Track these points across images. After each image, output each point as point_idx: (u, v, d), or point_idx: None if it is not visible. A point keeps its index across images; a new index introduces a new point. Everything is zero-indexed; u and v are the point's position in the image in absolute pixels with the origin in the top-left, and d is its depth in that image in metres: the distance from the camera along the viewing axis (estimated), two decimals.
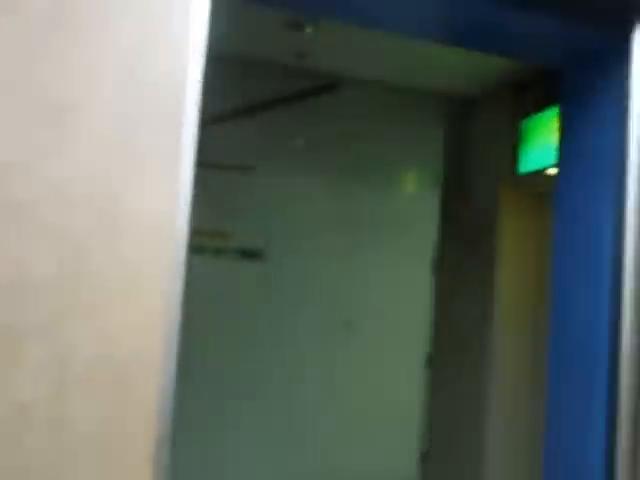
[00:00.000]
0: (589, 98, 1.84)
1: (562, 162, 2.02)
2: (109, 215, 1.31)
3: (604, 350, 1.70)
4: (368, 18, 1.76)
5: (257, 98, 3.58)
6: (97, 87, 1.32)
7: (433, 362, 4.10)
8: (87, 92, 1.31)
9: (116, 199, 1.32)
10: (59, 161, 1.29)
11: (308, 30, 3.14)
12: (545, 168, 3.22)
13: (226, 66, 3.05)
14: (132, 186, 1.33)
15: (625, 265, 1.71)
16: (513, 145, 3.50)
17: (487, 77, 3.60)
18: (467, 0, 1.63)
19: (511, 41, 1.79)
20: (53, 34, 1.30)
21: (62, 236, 1.29)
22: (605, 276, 1.75)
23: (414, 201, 4.37)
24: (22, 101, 1.29)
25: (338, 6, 1.71)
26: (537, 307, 3.45)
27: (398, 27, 1.81)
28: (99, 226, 1.30)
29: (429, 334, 4.11)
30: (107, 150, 1.32)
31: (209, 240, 3.95)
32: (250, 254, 4.09)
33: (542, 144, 3.26)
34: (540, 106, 3.31)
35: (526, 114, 3.44)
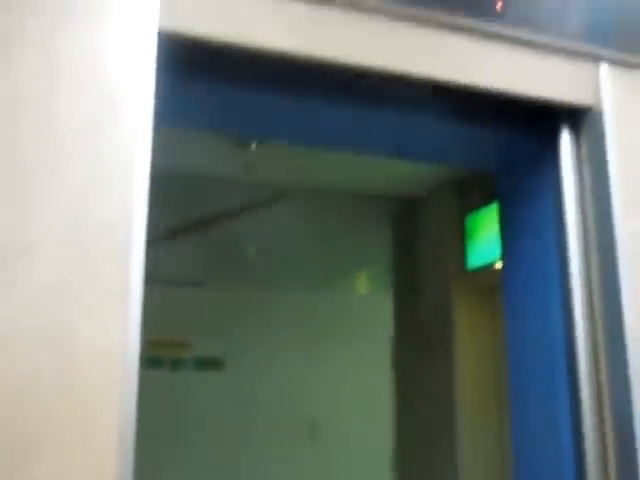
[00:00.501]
0: (524, 196, 1.95)
1: (505, 257, 2.11)
2: (58, 353, 1.31)
3: (567, 438, 1.72)
4: (307, 138, 1.86)
5: (204, 213, 3.65)
6: (44, 231, 1.34)
7: (399, 460, 4.01)
8: (34, 236, 1.33)
9: (65, 338, 1.32)
10: (5, 306, 1.29)
11: (253, 146, 3.27)
12: (493, 262, 3.32)
13: (170, 183, 3.13)
14: (81, 323, 1.34)
15: (578, 351, 1.76)
16: (460, 241, 3.63)
17: (430, 177, 3.77)
18: (403, 116, 1.74)
19: (445, 150, 1.91)
20: (2, 186, 1.32)
21: (13, 379, 1.28)
22: (559, 363, 1.79)
23: (369, 302, 4.43)
24: None
25: (277, 130, 1.81)
26: (499, 397, 3.45)
27: (337, 144, 1.92)
28: (48, 364, 1.30)
29: (393, 433, 4.05)
30: (54, 290, 1.33)
31: (168, 351, 3.88)
32: (209, 363, 4.05)
33: (488, 239, 3.38)
34: (483, 202, 3.46)
35: (471, 210, 3.59)
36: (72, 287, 1.33)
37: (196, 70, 1.56)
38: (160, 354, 3.85)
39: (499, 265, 3.26)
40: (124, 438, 1.31)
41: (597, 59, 1.74)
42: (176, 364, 4.03)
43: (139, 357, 1.37)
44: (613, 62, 1.75)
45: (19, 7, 1.36)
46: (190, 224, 3.60)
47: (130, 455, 1.32)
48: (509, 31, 1.63)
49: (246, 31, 1.48)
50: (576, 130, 1.81)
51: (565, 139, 1.80)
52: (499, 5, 1.58)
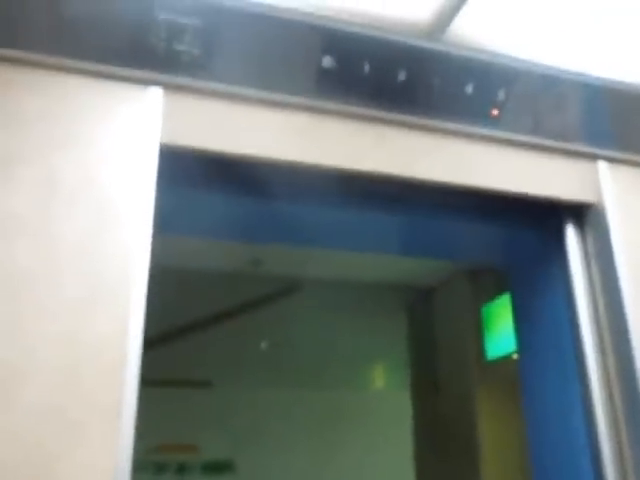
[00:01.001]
0: (535, 288, 1.93)
1: (520, 348, 2.08)
2: None
3: None
4: (312, 241, 1.88)
5: (212, 310, 3.63)
6: (38, 353, 1.33)
7: None
8: (27, 358, 1.32)
9: (54, 468, 1.29)
10: None
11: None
12: (512, 353, 3.24)
13: (177, 279, 3.13)
14: (70, 451, 1.31)
15: (602, 448, 1.71)
16: (477, 332, 3.56)
17: (444, 267, 3.75)
18: (410, 217, 1.77)
19: (453, 248, 1.91)
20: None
21: None
22: (583, 458, 1.74)
23: (386, 399, 4.31)
24: None
25: (281, 234, 1.82)
26: None
27: (346, 245, 1.93)
28: None
29: None
30: (45, 417, 1.30)
31: (173, 456, 3.76)
32: (219, 467, 3.91)
33: (505, 329, 3.31)
34: (498, 291, 3.42)
35: (486, 299, 3.55)
36: (62, 412, 1.30)
37: (198, 180, 1.59)
38: (165, 459, 3.73)
39: (516, 356, 3.18)
40: None
41: (595, 157, 1.78)
42: (182, 469, 3.90)
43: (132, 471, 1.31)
44: (611, 160, 1.79)
45: (19, 125, 1.39)
46: (198, 321, 3.58)
47: None
48: (506, 134, 1.67)
49: (246, 142, 1.51)
50: (580, 225, 1.82)
51: (570, 234, 1.81)
52: (495, 112, 1.62)
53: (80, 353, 1.33)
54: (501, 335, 3.38)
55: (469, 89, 1.58)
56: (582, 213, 1.79)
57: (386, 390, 4.40)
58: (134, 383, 1.36)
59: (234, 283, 3.71)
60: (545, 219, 1.82)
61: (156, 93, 1.47)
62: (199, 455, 3.88)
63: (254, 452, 3.99)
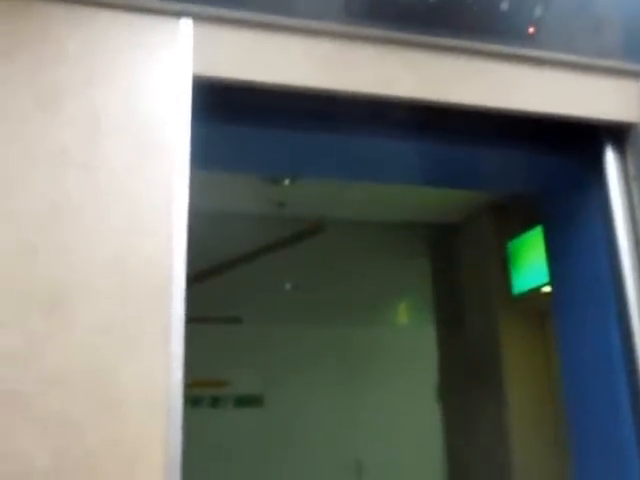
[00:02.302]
0: (571, 219, 1.86)
1: (555, 281, 2.01)
2: (102, 396, 1.33)
3: (634, 462, 1.62)
4: (342, 171, 1.83)
5: (239, 250, 3.62)
6: (90, 275, 1.38)
7: None
8: (81, 281, 1.37)
9: (109, 380, 1.35)
10: (55, 349, 1.33)
11: (286, 182, 3.24)
12: (540, 286, 3.20)
13: (205, 221, 3.11)
14: (126, 365, 1.36)
15: (639, 370, 1.67)
16: (503, 267, 3.51)
17: (468, 203, 3.67)
18: (443, 144, 1.70)
19: (487, 177, 1.84)
20: (50, 230, 1.38)
21: (60, 424, 1.30)
22: (621, 384, 1.70)
23: (410, 334, 4.30)
24: (20, 292, 1.34)
25: (311, 165, 1.78)
26: (555, 427, 3.27)
27: (375, 178, 1.87)
28: (96, 409, 1.32)
29: (443, 466, 3.88)
30: (100, 333, 1.36)
31: (206, 390, 3.83)
32: (249, 401, 3.98)
33: (533, 263, 3.26)
34: (526, 225, 3.35)
35: (512, 235, 3.48)
36: (116, 329, 1.35)
37: (230, 113, 1.58)
38: (199, 392, 3.79)
39: (546, 289, 3.14)
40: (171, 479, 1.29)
41: (637, 75, 1.68)
42: (215, 402, 3.96)
43: (182, 398, 1.36)
44: None
45: (62, 61, 1.41)
46: (225, 262, 3.57)
47: None
48: (543, 53, 1.58)
49: (277, 71, 1.49)
50: (621, 148, 1.73)
51: (610, 157, 1.72)
52: (531, 30, 1.52)
53: (128, 276, 1.37)
54: (528, 269, 3.33)
55: (504, 6, 1.49)
56: (622, 135, 1.70)
57: (411, 325, 4.39)
58: (181, 305, 1.39)
59: (260, 225, 3.68)
60: (583, 142, 1.72)
61: (187, 24, 1.46)
62: (230, 390, 3.94)
63: (282, 387, 4.03)
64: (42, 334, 1.31)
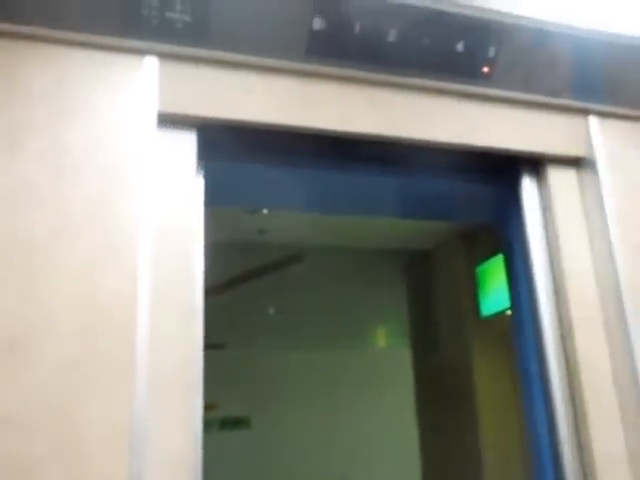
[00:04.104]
0: (517, 244, 1.88)
1: (512, 305, 2.03)
2: (66, 435, 1.26)
3: None
4: (311, 206, 1.81)
5: (222, 277, 3.57)
6: (53, 312, 1.31)
7: None
8: (44, 317, 1.30)
9: (72, 419, 1.27)
10: (14, 388, 1.25)
11: (264, 211, 3.21)
12: (505, 310, 3.19)
13: None
14: (90, 402, 1.29)
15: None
16: (473, 290, 3.49)
17: (440, 230, 3.67)
18: (403, 178, 1.70)
19: (451, 208, 1.84)
20: (12, 266, 1.31)
21: (19, 466, 1.22)
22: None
23: (389, 357, 4.27)
24: None
25: (281, 200, 1.76)
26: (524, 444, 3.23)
27: (346, 211, 1.86)
28: (59, 448, 1.24)
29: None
30: (63, 371, 1.29)
31: None
32: (236, 423, 3.92)
33: (498, 287, 3.25)
34: (492, 251, 3.35)
35: (480, 259, 3.48)
36: (80, 366, 1.28)
37: (201, 149, 1.53)
38: None
39: (510, 312, 3.13)
40: None
41: (586, 112, 1.70)
42: (204, 425, 3.89)
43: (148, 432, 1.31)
44: (602, 114, 1.72)
45: (26, 98, 1.36)
46: (209, 288, 3.52)
47: None
48: (497, 92, 1.60)
49: (240, 108, 1.46)
50: (538, 179, 1.76)
51: (527, 188, 1.75)
52: (486, 70, 1.52)
53: (93, 311, 1.31)
54: (494, 293, 3.32)
55: (460, 47, 1.48)
56: (542, 167, 1.72)
57: (388, 348, 4.36)
58: (146, 339, 1.33)
59: (243, 252, 3.64)
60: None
61: (152, 62, 1.42)
62: (218, 412, 3.87)
63: (268, 409, 3.97)
64: (1, 374, 1.23)
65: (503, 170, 1.72)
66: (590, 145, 1.70)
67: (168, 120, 1.44)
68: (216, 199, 1.96)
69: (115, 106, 1.40)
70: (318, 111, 1.50)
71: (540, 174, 1.75)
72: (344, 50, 1.45)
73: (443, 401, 3.66)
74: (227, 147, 1.56)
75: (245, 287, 3.65)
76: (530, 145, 1.63)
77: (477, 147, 1.57)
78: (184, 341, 1.42)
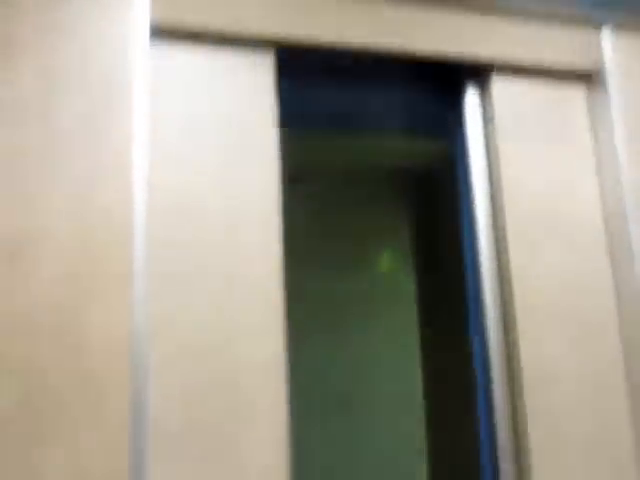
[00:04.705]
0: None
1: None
2: (68, 341, 1.32)
3: None
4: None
5: None
6: (50, 221, 1.35)
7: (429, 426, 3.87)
8: (41, 229, 1.35)
9: (73, 326, 1.33)
10: (18, 297, 1.31)
11: None
12: None
13: None
14: (89, 311, 1.34)
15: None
16: None
17: (442, 150, 3.54)
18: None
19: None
20: (8, 179, 1.34)
21: (25, 368, 1.29)
22: None
23: (391, 279, 4.25)
24: None
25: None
26: None
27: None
28: (61, 353, 1.31)
29: (424, 406, 3.90)
30: (63, 280, 1.34)
31: None
32: None
33: None
34: None
35: None
36: (78, 276, 1.32)
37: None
38: None
39: None
40: (137, 418, 1.28)
41: (599, 24, 1.63)
42: None
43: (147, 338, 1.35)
44: (615, 26, 1.64)
45: (17, 13, 1.34)
46: None
47: (144, 432, 1.28)
48: (507, 2, 1.53)
49: (229, 17, 1.43)
50: (482, 89, 1.68)
51: (470, 99, 1.70)
52: None
53: (89, 223, 1.36)
54: None
55: None
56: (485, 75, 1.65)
57: (391, 271, 4.32)
58: (143, 250, 1.35)
59: None
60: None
61: None
62: None
63: None
64: (4, 283, 1.27)
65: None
66: (601, 58, 1.61)
67: (162, 33, 1.42)
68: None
69: (107, 19, 1.39)
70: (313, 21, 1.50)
71: (485, 86, 1.68)
72: None
73: (444, 321, 3.66)
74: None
75: None
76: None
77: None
78: (182, 246, 1.45)
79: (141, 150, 1.37)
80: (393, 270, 4.32)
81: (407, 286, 3.95)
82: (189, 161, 1.45)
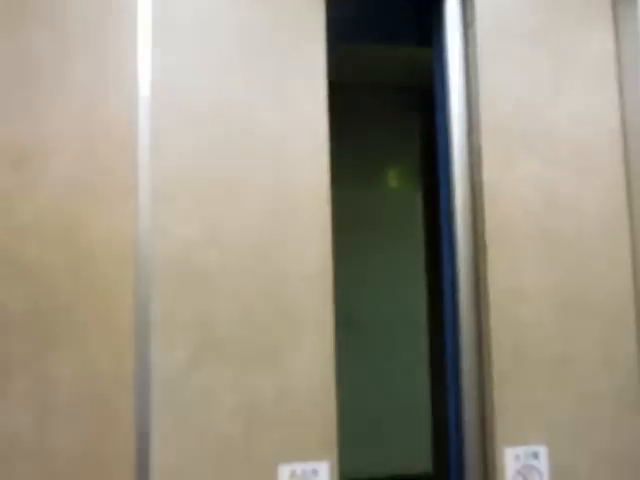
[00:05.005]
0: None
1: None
2: (75, 248, 1.31)
3: None
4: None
5: None
6: (56, 129, 1.33)
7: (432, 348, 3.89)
8: (46, 136, 1.33)
9: (80, 233, 1.33)
10: (26, 201, 1.30)
11: None
12: None
13: None
14: (95, 217, 1.34)
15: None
16: None
17: None
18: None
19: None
20: (14, 80, 1.31)
21: (35, 272, 1.29)
22: None
23: (400, 198, 4.19)
24: None
25: None
26: None
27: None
28: (69, 260, 1.31)
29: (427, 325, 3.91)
30: (69, 186, 1.33)
31: None
32: None
33: None
34: None
35: None
36: (84, 182, 1.31)
37: None
38: None
39: None
40: (141, 322, 1.29)
41: None
42: None
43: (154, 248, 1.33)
44: None
45: None
46: None
47: (148, 338, 1.30)
48: None
49: None
50: None
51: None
52: None
53: (94, 129, 1.33)
54: None
55: None
56: None
57: (400, 190, 4.25)
58: (147, 158, 1.33)
59: None
60: None
61: None
62: None
63: None
64: (13, 188, 1.27)
65: None
66: None
67: None
68: None
69: None
70: None
71: None
72: None
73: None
74: None
75: None
76: None
77: None
78: (188, 155, 1.40)
79: (147, 58, 1.35)
80: (402, 189, 4.24)
81: (415, 205, 3.88)
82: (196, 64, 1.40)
